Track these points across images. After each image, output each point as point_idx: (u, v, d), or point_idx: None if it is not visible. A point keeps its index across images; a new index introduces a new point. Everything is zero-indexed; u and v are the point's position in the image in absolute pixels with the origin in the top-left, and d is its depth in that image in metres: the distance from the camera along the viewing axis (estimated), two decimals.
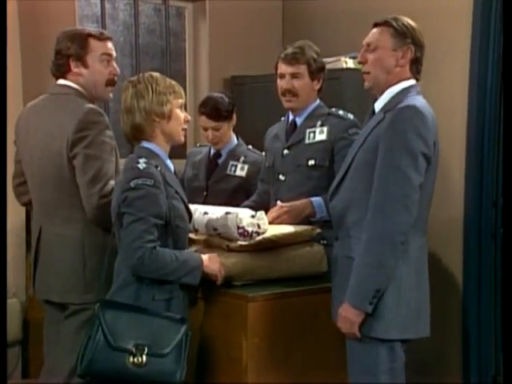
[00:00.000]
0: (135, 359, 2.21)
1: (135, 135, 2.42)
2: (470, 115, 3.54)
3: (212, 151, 3.55)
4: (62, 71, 2.64)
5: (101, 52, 2.64)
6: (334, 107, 3.04)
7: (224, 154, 3.51)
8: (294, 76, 2.95)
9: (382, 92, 2.40)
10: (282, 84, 2.98)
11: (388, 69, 2.37)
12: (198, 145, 3.71)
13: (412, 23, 2.41)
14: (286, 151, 3.01)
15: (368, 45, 2.41)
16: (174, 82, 2.47)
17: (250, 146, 3.56)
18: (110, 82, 2.68)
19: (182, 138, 2.49)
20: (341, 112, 3.00)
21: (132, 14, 4.35)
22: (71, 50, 2.60)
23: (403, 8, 3.70)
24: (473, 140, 3.55)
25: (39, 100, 2.71)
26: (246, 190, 3.42)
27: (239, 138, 3.55)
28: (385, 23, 2.39)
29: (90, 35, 2.63)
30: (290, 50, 2.95)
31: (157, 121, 2.39)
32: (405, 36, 2.36)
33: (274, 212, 2.81)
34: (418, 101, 2.33)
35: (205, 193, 3.42)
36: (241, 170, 3.45)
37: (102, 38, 2.65)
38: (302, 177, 2.95)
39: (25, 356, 3.67)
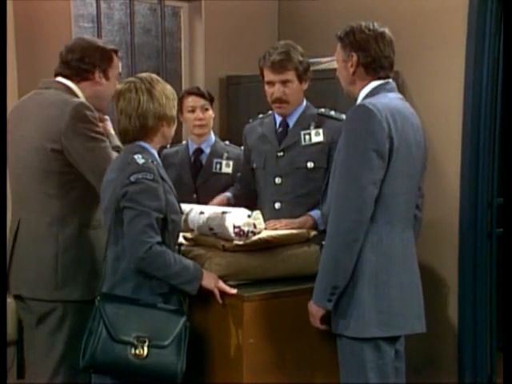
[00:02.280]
0: (137, 351, 2.27)
1: (139, 135, 2.47)
2: (466, 116, 3.54)
3: (191, 148, 3.52)
4: (83, 76, 2.71)
5: (118, 70, 2.80)
6: (326, 107, 3.03)
7: (206, 149, 3.50)
8: (283, 83, 2.92)
9: (357, 97, 2.48)
10: (271, 91, 2.95)
11: (347, 79, 2.49)
12: (168, 146, 3.62)
13: (356, 29, 2.44)
14: (280, 154, 2.99)
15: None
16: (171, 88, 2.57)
17: (227, 142, 3.58)
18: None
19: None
20: (332, 113, 3.00)
21: (127, 13, 4.35)
22: (99, 61, 2.72)
23: (398, 8, 3.73)
24: (468, 140, 3.56)
25: (29, 95, 2.76)
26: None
27: (216, 135, 3.58)
28: (336, 36, 2.49)
29: (113, 51, 2.78)
30: (276, 57, 2.90)
31: (164, 125, 2.48)
32: (347, 45, 2.45)
33: (274, 225, 2.78)
34: (378, 98, 2.37)
35: (195, 195, 3.39)
36: (226, 167, 3.45)
37: (118, 56, 2.82)
38: (301, 179, 2.94)
39: (20, 356, 3.66)
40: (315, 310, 2.38)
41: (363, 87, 2.45)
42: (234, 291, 2.46)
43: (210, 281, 2.44)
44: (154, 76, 2.52)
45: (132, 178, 2.33)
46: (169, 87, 2.52)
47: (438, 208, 3.58)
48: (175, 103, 2.52)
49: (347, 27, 2.47)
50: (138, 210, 2.32)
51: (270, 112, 3.13)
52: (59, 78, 2.71)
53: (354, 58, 2.43)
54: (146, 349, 2.27)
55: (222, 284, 2.46)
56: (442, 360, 3.68)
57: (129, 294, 2.36)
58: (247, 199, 3.09)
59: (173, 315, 2.36)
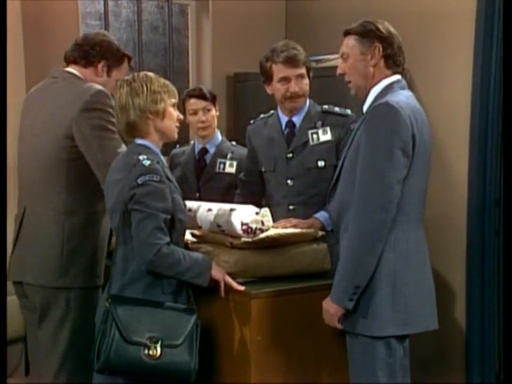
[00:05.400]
0: (150, 352, 2.28)
1: (130, 132, 2.47)
2: (474, 113, 3.53)
3: (197, 148, 3.54)
4: (89, 61, 2.71)
5: (122, 76, 2.74)
6: (329, 103, 3.03)
7: (211, 149, 3.51)
8: (299, 77, 2.92)
9: (367, 94, 2.43)
10: (285, 88, 2.93)
11: (363, 73, 2.42)
12: (177, 146, 3.68)
13: (375, 23, 2.42)
14: (289, 155, 2.99)
15: (342, 55, 2.47)
16: (167, 82, 2.52)
17: (234, 142, 3.59)
18: None
19: (176, 135, 2.54)
20: (337, 109, 2.99)
21: (135, 11, 4.37)
22: (109, 55, 2.72)
23: (406, 6, 3.71)
24: (476, 138, 3.55)
25: (41, 84, 2.76)
26: (237, 187, 3.43)
27: (222, 135, 3.59)
28: (350, 30, 2.44)
29: (127, 56, 2.80)
30: (290, 52, 2.90)
31: (151, 118, 2.44)
32: (369, 37, 2.40)
33: (284, 224, 2.78)
34: (397, 96, 2.34)
35: (197, 194, 3.40)
36: (230, 167, 3.47)
37: (130, 64, 2.83)
38: (312, 179, 2.94)
39: (27, 353, 3.66)
40: (334, 310, 2.34)
41: (376, 83, 2.41)
42: (241, 288, 2.46)
43: (218, 271, 2.46)
44: (150, 73, 2.49)
45: (139, 181, 2.33)
46: (159, 80, 2.47)
47: (446, 206, 3.57)
48: (164, 96, 2.44)
49: (362, 22, 2.42)
50: (145, 212, 2.32)
51: (272, 111, 3.12)
52: (69, 69, 2.71)
53: (379, 48, 2.38)
54: (159, 349, 2.28)
55: (229, 279, 2.47)
56: (449, 358, 3.67)
57: (139, 294, 2.36)
58: (253, 201, 3.03)
59: (183, 314, 2.37)
